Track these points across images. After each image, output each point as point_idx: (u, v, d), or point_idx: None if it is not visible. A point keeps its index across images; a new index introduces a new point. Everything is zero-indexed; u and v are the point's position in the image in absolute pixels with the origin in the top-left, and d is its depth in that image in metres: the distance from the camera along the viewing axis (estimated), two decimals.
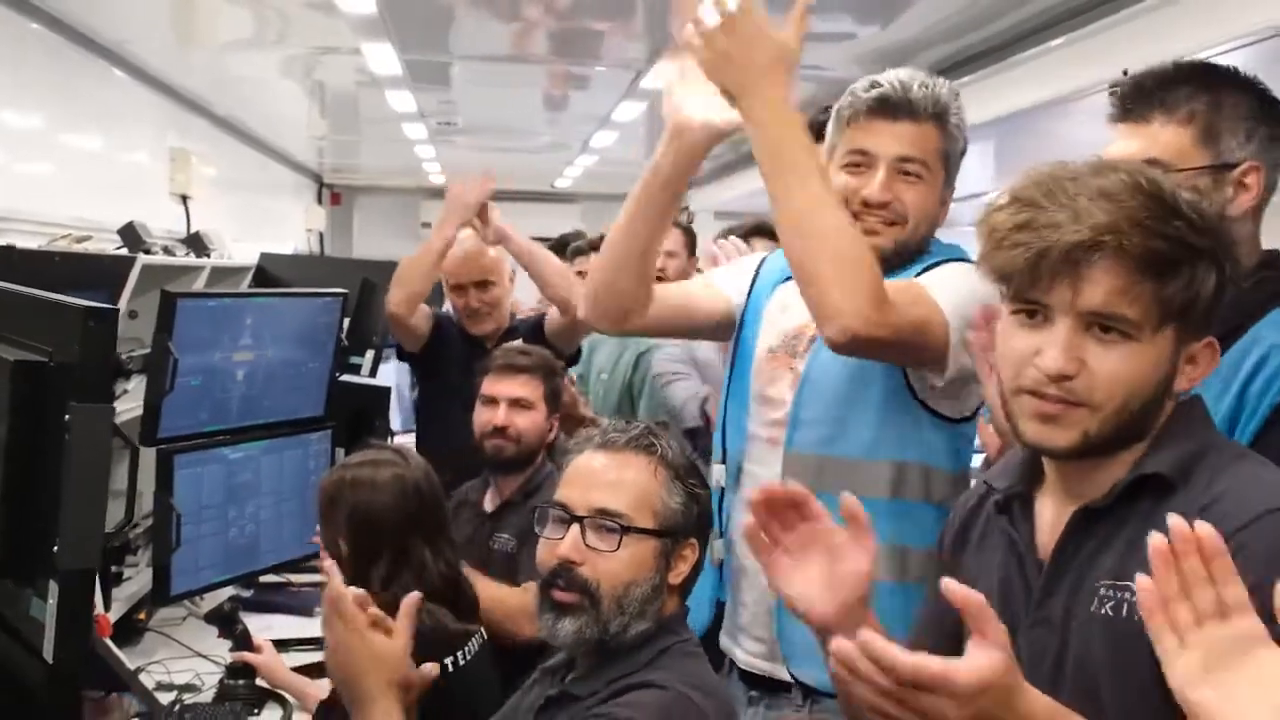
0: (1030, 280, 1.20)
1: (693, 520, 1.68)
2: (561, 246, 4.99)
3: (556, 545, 1.64)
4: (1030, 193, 1.21)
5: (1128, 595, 1.17)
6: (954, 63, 4.08)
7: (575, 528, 1.63)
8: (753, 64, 1.66)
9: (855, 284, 1.64)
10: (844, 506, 1.27)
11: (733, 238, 2.60)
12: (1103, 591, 1.20)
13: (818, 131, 1.98)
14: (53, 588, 1.20)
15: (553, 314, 3.55)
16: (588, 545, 1.62)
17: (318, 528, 2.36)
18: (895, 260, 1.87)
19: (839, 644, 1.08)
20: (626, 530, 1.62)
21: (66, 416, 1.18)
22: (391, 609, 1.64)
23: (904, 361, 1.84)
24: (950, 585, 1.08)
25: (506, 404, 2.84)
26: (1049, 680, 1.18)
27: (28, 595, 1.26)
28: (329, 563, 1.56)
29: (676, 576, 1.67)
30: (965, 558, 1.38)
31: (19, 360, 1.22)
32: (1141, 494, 1.22)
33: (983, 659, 1.06)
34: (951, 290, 1.81)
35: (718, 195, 8.07)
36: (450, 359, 3.50)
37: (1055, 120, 3.68)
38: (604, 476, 1.66)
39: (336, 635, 1.57)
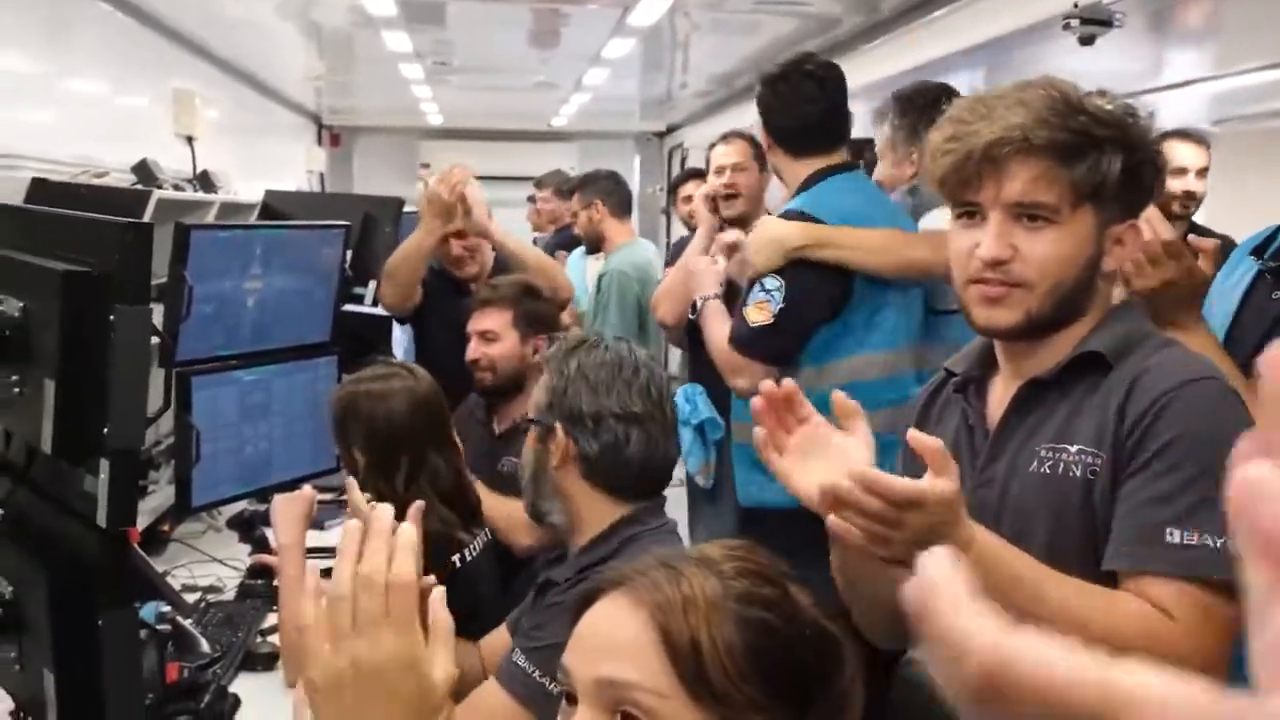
0: (960, 182, 1.39)
1: None
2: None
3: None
4: (960, 112, 1.41)
5: (1064, 456, 1.37)
6: None
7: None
8: None
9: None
10: (835, 405, 1.37)
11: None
12: (1043, 453, 1.39)
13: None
14: (104, 464, 1.40)
15: None
16: None
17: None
18: None
19: (834, 482, 1.23)
20: None
21: (111, 317, 1.38)
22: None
23: None
24: (914, 434, 1.27)
25: (476, 338, 3.02)
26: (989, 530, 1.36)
27: (80, 474, 1.46)
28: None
29: None
30: (926, 432, 1.58)
31: (68, 271, 1.41)
32: (1083, 370, 1.41)
33: (941, 481, 1.24)
34: None
35: (706, 132, 8.19)
36: (440, 309, 3.66)
37: (1036, 45, 3.86)
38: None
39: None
